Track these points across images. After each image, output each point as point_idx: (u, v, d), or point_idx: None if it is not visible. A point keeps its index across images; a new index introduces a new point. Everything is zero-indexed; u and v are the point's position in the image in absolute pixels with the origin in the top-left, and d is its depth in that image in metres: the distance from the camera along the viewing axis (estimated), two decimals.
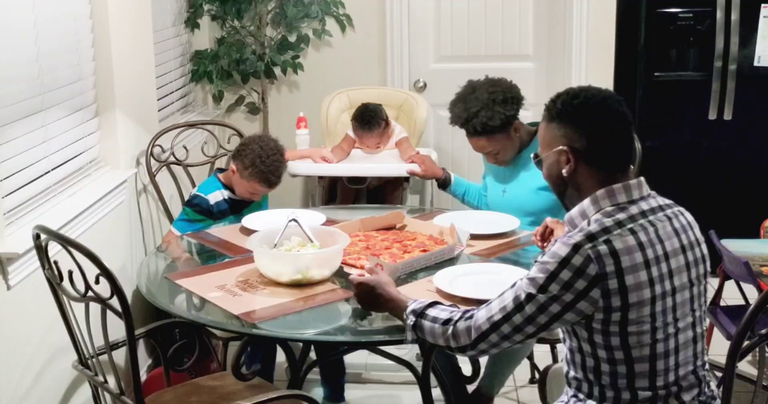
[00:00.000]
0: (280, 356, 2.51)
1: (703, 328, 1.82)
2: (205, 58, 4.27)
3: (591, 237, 1.68)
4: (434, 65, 4.55)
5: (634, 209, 1.75)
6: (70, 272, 1.91)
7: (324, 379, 3.04)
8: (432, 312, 1.88)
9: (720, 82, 4.03)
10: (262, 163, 2.94)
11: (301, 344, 2.48)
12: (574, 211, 1.80)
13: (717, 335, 2.93)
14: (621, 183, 1.77)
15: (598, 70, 4.34)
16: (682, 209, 1.84)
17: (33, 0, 2.53)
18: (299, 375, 2.38)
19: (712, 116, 4.08)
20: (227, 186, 3.09)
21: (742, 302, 2.99)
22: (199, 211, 3.02)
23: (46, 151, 2.62)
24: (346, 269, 2.39)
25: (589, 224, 1.73)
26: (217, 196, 3.06)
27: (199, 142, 3.81)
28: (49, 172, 2.65)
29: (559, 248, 1.70)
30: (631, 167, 1.84)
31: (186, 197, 3.22)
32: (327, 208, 3.42)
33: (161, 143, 3.41)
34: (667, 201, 1.83)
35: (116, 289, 1.84)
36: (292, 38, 4.38)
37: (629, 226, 1.71)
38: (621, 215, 1.73)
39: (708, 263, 1.83)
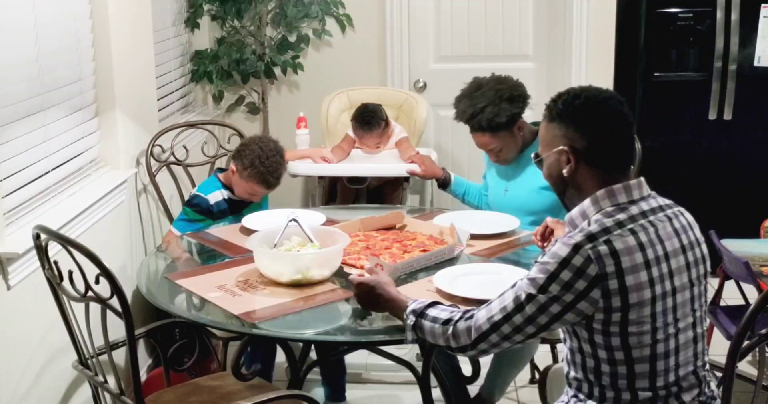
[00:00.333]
0: (280, 356, 2.51)
1: (704, 328, 1.82)
2: (205, 58, 4.27)
3: (591, 237, 1.68)
4: (434, 65, 4.55)
5: (634, 210, 1.75)
6: (70, 272, 1.90)
7: (325, 379, 3.04)
8: (432, 312, 1.88)
9: (720, 82, 4.03)
10: (262, 164, 2.93)
11: (301, 344, 2.48)
12: (575, 211, 1.80)
13: (717, 335, 2.93)
14: (621, 183, 1.77)
15: (598, 70, 4.34)
16: (682, 209, 1.84)
17: (33, 0, 2.53)
18: (299, 375, 2.38)
19: (712, 116, 4.08)
20: (227, 186, 3.09)
21: (742, 302, 2.99)
22: (198, 211, 3.02)
23: (46, 151, 2.62)
24: (346, 269, 2.39)
25: (589, 224, 1.73)
26: (216, 196, 3.06)
27: (199, 142, 3.81)
28: (49, 172, 2.65)
29: (559, 248, 1.70)
30: (632, 167, 1.84)
31: (186, 197, 3.22)
32: (327, 208, 3.43)
33: (161, 143, 3.41)
34: (668, 201, 1.83)
35: (116, 289, 1.83)
36: (292, 38, 4.38)
37: (629, 226, 1.71)
38: (621, 216, 1.73)
39: (708, 264, 1.83)
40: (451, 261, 2.49)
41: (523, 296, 1.73)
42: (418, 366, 2.37)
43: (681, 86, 4.14)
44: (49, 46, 2.64)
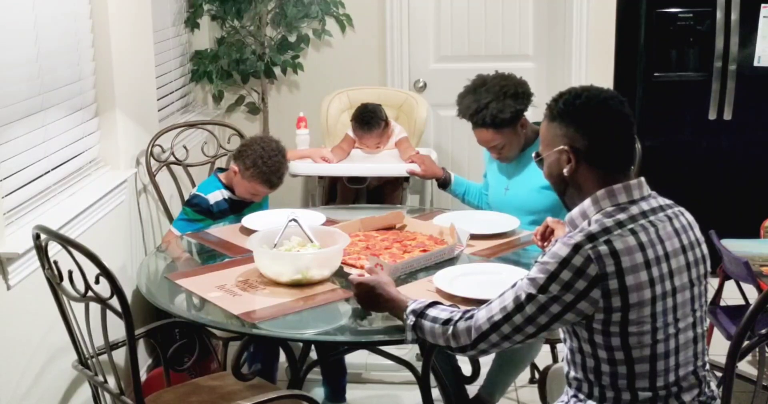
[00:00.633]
0: (281, 356, 2.51)
1: (704, 328, 1.82)
2: (205, 58, 4.27)
3: (591, 237, 1.68)
4: (434, 65, 4.55)
5: (634, 210, 1.75)
6: (70, 272, 1.90)
7: (325, 379, 3.04)
8: (432, 312, 1.88)
9: (720, 82, 4.03)
10: (264, 164, 2.93)
11: (301, 344, 2.48)
12: (575, 211, 1.80)
13: (717, 335, 2.93)
14: (621, 183, 1.77)
15: (598, 70, 4.34)
16: (682, 209, 1.84)
17: (33, 0, 2.53)
18: (299, 375, 2.38)
19: (712, 116, 4.08)
20: (227, 186, 3.08)
21: (742, 302, 2.99)
22: (198, 211, 3.02)
23: (46, 151, 2.62)
24: (346, 269, 2.39)
25: (589, 224, 1.73)
26: (217, 196, 3.06)
27: (199, 142, 3.81)
28: (49, 172, 2.65)
29: (559, 248, 1.70)
30: (632, 167, 1.84)
31: (186, 197, 3.22)
32: (327, 208, 3.42)
33: (161, 143, 3.41)
34: (668, 201, 1.83)
35: (116, 289, 1.83)
36: (292, 38, 4.38)
37: (630, 226, 1.71)
38: (621, 216, 1.73)
39: (708, 264, 1.83)
40: (451, 261, 2.49)
41: (523, 296, 1.73)
42: (418, 366, 2.37)
43: (681, 86, 4.13)
44: (49, 46, 2.64)
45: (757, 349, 1.89)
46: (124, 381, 2.08)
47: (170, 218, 3.32)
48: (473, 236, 2.64)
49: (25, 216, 2.47)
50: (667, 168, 4.13)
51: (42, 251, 2.02)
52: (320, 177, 3.77)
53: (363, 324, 2.16)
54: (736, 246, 2.82)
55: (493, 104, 2.81)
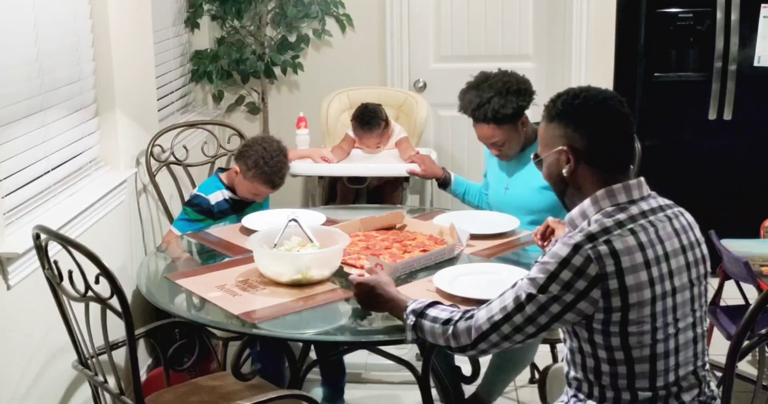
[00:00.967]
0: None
1: (704, 328, 1.82)
2: (205, 58, 4.27)
3: (591, 237, 1.68)
4: (434, 65, 4.55)
5: (634, 210, 1.75)
6: (70, 272, 1.91)
7: (324, 379, 3.04)
8: (432, 312, 1.88)
9: (720, 82, 4.03)
10: (266, 164, 2.93)
11: (301, 344, 2.48)
12: (575, 211, 1.80)
13: (717, 335, 2.93)
14: (621, 183, 1.77)
15: (598, 70, 4.34)
16: (682, 209, 1.84)
17: (33, 0, 2.53)
18: (299, 375, 2.38)
19: (712, 116, 4.08)
20: (228, 186, 3.08)
21: (742, 302, 2.99)
22: (199, 211, 3.02)
23: (46, 151, 2.62)
24: (346, 269, 2.39)
25: (589, 224, 1.73)
26: (218, 196, 3.06)
27: (199, 142, 3.81)
28: (49, 172, 2.65)
29: (559, 248, 1.70)
30: (631, 167, 1.84)
31: (186, 197, 3.22)
32: (327, 208, 3.43)
33: (161, 143, 3.41)
34: (668, 201, 1.83)
35: (116, 289, 1.84)
36: (292, 38, 4.38)
37: (629, 226, 1.71)
38: (621, 216, 1.73)
39: (708, 264, 1.83)
40: (451, 261, 2.49)
41: (523, 296, 1.73)
42: (418, 366, 2.37)
43: (681, 86, 4.14)
44: (49, 46, 2.64)
45: (757, 349, 1.89)
46: (124, 381, 2.08)
47: (170, 218, 3.32)
48: (473, 236, 2.64)
49: (25, 216, 2.47)
50: (667, 168, 4.13)
51: (42, 251, 2.02)
52: (320, 177, 3.78)
53: (363, 324, 2.16)
54: (736, 246, 2.82)
55: (496, 100, 2.82)
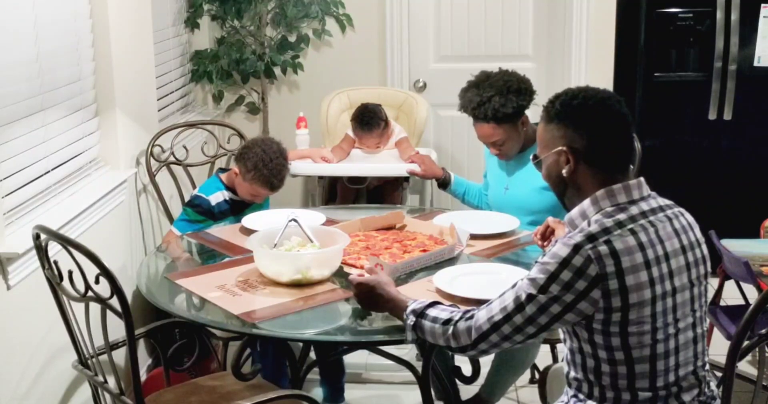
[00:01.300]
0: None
1: (704, 329, 1.82)
2: (205, 58, 4.27)
3: (591, 238, 1.68)
4: (434, 65, 4.55)
5: (634, 210, 1.75)
6: (70, 272, 1.91)
7: (324, 379, 3.04)
8: (432, 312, 1.88)
9: (720, 82, 4.03)
10: (265, 166, 2.93)
11: (301, 344, 2.48)
12: (575, 211, 1.80)
13: (717, 335, 2.93)
14: (621, 184, 1.77)
15: (598, 70, 4.34)
16: (682, 209, 1.84)
17: (33, 0, 2.53)
18: (299, 375, 2.39)
19: (712, 116, 4.08)
20: (229, 187, 3.08)
21: (742, 302, 2.99)
22: (200, 212, 3.02)
23: (46, 151, 2.62)
24: (346, 269, 2.39)
25: (589, 224, 1.73)
26: (218, 197, 3.06)
27: (199, 142, 3.81)
28: (49, 172, 2.65)
29: (559, 248, 1.70)
30: (631, 167, 1.84)
31: (186, 197, 3.22)
32: (327, 208, 3.43)
33: (161, 143, 3.41)
34: (668, 202, 1.83)
35: (116, 289, 1.84)
36: (292, 38, 4.38)
37: (629, 226, 1.71)
38: (621, 216, 1.73)
39: (708, 264, 1.83)
40: (451, 261, 2.49)
41: (523, 297, 1.73)
42: (418, 366, 2.36)
43: (681, 86, 4.13)
44: (49, 46, 2.64)
45: (757, 349, 1.89)
46: (124, 381, 2.08)
47: (170, 218, 3.32)
48: (473, 236, 2.64)
49: (25, 216, 2.47)
50: (667, 168, 4.14)
51: (42, 251, 2.02)
52: (320, 177, 3.78)
53: (363, 324, 2.16)
54: (736, 246, 2.82)
55: (496, 98, 2.82)
